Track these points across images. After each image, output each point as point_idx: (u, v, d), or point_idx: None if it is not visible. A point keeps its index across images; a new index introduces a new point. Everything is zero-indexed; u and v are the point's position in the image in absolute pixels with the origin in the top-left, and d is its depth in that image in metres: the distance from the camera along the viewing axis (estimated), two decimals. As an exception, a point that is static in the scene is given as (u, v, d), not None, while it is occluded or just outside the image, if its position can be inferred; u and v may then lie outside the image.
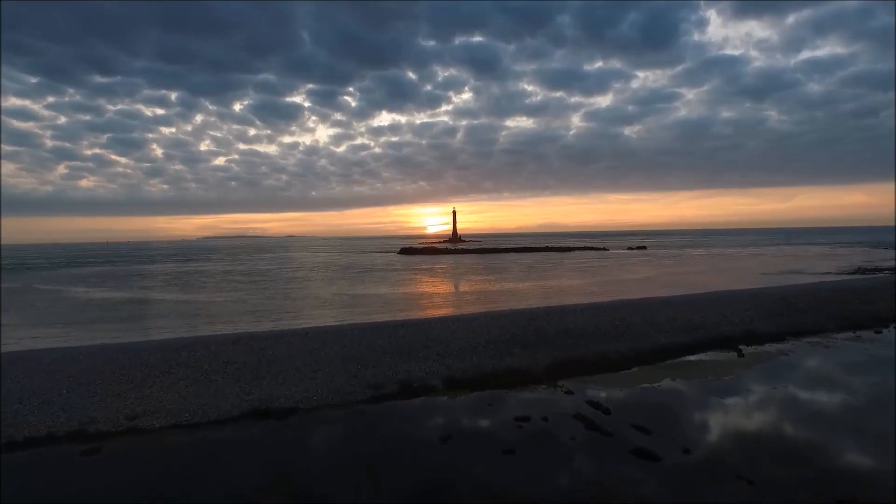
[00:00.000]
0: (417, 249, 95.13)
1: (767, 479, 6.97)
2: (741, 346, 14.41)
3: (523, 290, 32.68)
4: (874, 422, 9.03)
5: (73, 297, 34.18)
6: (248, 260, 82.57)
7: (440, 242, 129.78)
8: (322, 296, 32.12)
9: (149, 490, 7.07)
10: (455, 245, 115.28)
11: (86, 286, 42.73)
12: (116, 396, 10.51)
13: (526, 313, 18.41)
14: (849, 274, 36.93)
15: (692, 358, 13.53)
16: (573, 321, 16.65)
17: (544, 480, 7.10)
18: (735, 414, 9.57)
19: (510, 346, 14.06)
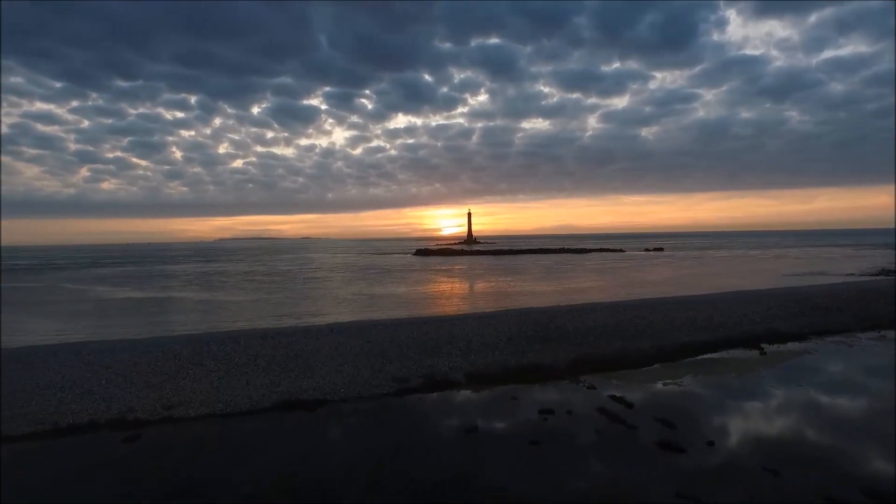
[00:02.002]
0: (433, 251, 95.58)
1: (792, 468, 7.06)
2: (763, 345, 14.37)
3: (544, 290, 32.70)
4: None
5: (99, 296, 35.13)
6: (269, 261, 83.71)
7: (455, 244, 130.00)
8: (342, 295, 32.55)
9: (185, 475, 7.38)
10: (470, 247, 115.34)
11: (111, 285, 43.85)
12: (152, 387, 10.92)
13: (547, 311, 18.53)
14: (872, 275, 36.24)
15: (714, 356, 13.53)
16: (594, 319, 16.73)
17: (573, 470, 7.25)
18: (758, 410, 9.60)
19: (532, 342, 14.22)
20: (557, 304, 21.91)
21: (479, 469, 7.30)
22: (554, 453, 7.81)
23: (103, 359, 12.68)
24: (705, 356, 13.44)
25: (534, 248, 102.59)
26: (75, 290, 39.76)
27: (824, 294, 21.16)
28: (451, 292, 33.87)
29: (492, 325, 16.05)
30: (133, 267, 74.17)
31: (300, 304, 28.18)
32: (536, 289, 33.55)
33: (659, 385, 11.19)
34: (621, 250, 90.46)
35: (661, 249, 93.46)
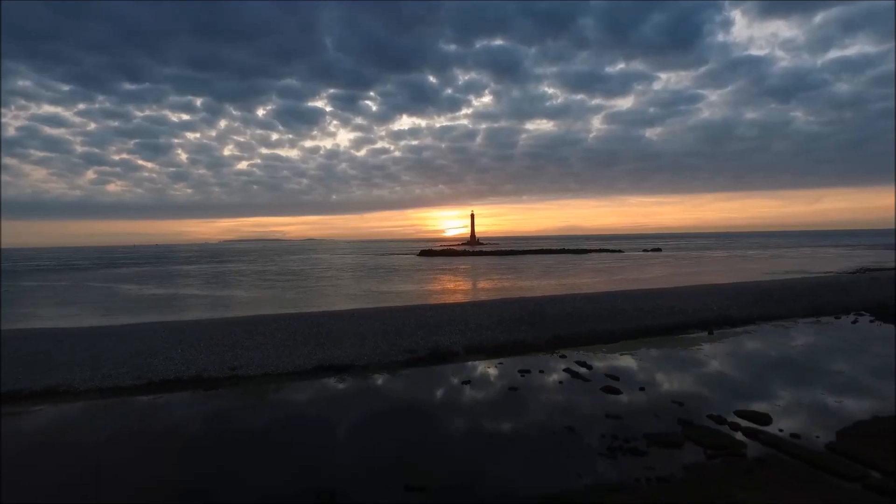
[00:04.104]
0: (437, 252, 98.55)
1: (694, 403, 9.98)
2: (714, 328, 17.19)
3: (540, 286, 35.47)
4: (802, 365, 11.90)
5: (128, 293, 38.18)
6: (279, 261, 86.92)
7: (458, 245, 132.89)
8: (354, 292, 35.47)
9: (261, 412, 10.38)
10: (473, 247, 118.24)
11: (134, 284, 46.89)
12: (218, 354, 13.93)
13: (532, 300, 21.45)
14: (850, 273, 38.77)
15: (671, 336, 16.38)
16: (572, 307, 19.63)
17: (536, 400, 10.20)
18: (688, 368, 12.51)
19: (518, 324, 17.14)
20: (541, 295, 24.81)
21: (470, 404, 10.27)
22: (525, 394, 10.77)
23: (175, 335, 15.75)
24: (662, 336, 16.31)
25: (534, 248, 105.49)
26: (103, 288, 42.78)
27: (781, 288, 23.96)
28: (454, 288, 36.74)
29: (485, 310, 19.01)
30: (150, 267, 77.47)
31: (317, 299, 31.07)
32: (533, 285, 36.36)
33: (617, 355, 14.10)
34: (620, 251, 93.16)
35: (658, 250, 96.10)
